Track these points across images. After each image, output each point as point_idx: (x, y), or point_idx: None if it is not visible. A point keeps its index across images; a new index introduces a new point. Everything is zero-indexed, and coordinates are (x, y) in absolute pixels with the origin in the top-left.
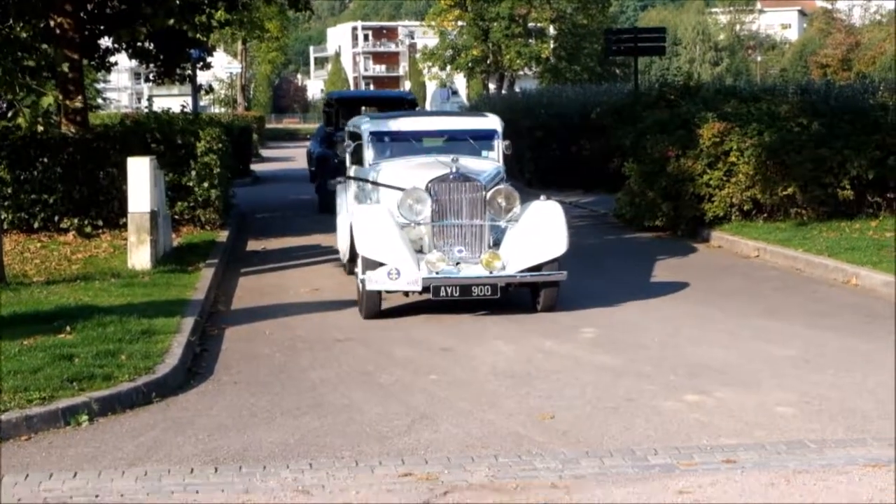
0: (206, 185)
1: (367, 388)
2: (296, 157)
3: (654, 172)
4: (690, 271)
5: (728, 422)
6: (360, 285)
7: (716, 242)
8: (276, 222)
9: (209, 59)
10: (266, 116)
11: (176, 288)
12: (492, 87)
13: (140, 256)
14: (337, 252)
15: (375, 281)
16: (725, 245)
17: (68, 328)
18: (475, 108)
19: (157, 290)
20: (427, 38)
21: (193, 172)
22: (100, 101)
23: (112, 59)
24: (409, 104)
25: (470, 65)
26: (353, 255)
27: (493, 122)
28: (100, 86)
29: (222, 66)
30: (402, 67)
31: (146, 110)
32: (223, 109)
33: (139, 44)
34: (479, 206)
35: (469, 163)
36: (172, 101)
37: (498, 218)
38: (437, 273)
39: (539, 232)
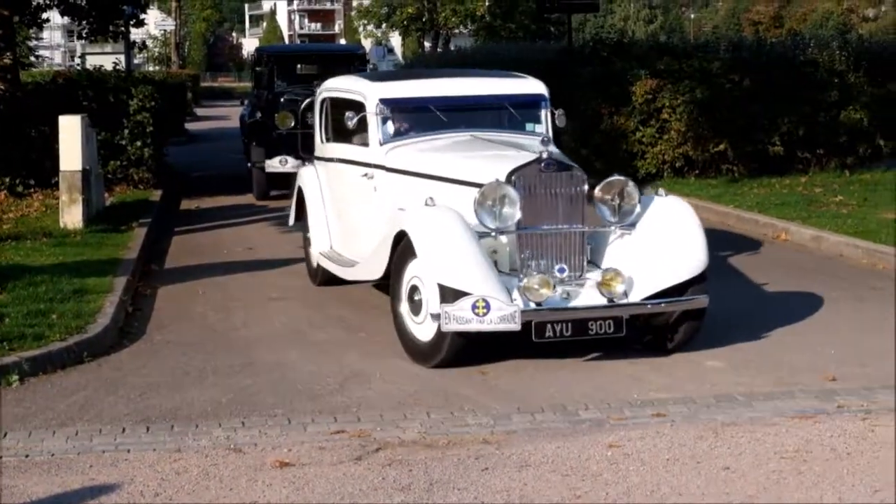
0: (138, 143)
1: (300, 347)
2: (230, 116)
3: (586, 130)
4: None
5: (658, 377)
6: (407, 323)
7: None
8: (210, 181)
9: (142, 16)
10: (201, 74)
11: (108, 247)
12: (427, 45)
13: (72, 215)
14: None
15: (457, 319)
16: None
17: None
18: (411, 67)
19: (90, 249)
20: None
21: (126, 131)
22: (32, 58)
23: (44, 15)
24: (358, 61)
25: (405, 23)
26: (393, 275)
27: (537, 85)
28: (32, 43)
29: (156, 24)
30: (338, 25)
31: (78, 68)
32: (157, 67)
33: (72, 0)
34: (579, 205)
35: (517, 139)
36: (105, 58)
37: (609, 221)
38: (538, 304)
39: (670, 241)
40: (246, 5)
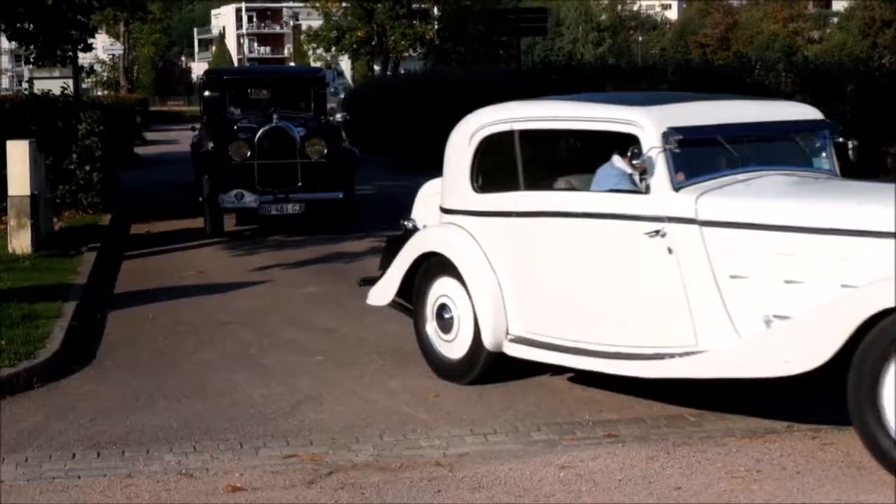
0: (87, 168)
1: (252, 371)
2: (180, 140)
3: None
4: None
5: (610, 397)
6: None
7: None
8: (160, 205)
9: (90, 41)
10: (150, 99)
11: (58, 272)
12: (377, 68)
13: (20, 240)
14: None
15: None
16: None
17: None
18: (361, 91)
19: (39, 274)
20: (312, 20)
21: (75, 155)
22: None
23: None
24: (318, 84)
25: (355, 46)
26: (860, 373)
27: (815, 111)
28: None
29: (105, 48)
30: (287, 49)
31: (26, 92)
32: (106, 92)
33: (18, 24)
34: None
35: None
36: (54, 83)
37: None
38: None
39: None
40: (195, 29)
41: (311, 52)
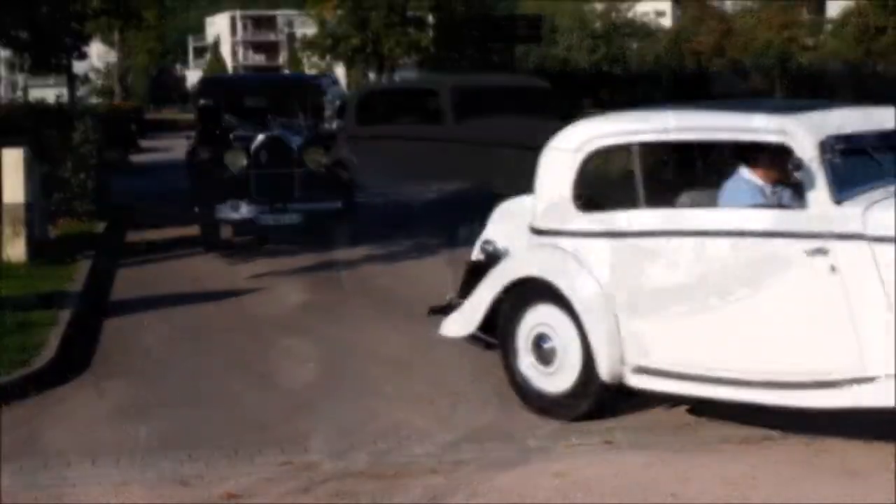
0: (82, 176)
1: (247, 378)
2: (175, 148)
3: None
4: None
5: (606, 404)
6: None
7: None
8: (155, 213)
9: (85, 49)
10: (145, 107)
11: (53, 280)
12: (372, 75)
13: (15, 248)
14: None
15: None
16: None
17: None
18: (361, 98)
19: (34, 282)
20: (307, 27)
21: (69, 163)
22: None
23: None
24: (315, 92)
25: (350, 54)
26: None
27: None
28: None
29: (99, 56)
30: (282, 57)
31: (21, 100)
32: (101, 100)
33: (13, 32)
34: None
35: None
36: (49, 91)
37: None
38: None
39: None
40: (190, 37)
41: (305, 60)
